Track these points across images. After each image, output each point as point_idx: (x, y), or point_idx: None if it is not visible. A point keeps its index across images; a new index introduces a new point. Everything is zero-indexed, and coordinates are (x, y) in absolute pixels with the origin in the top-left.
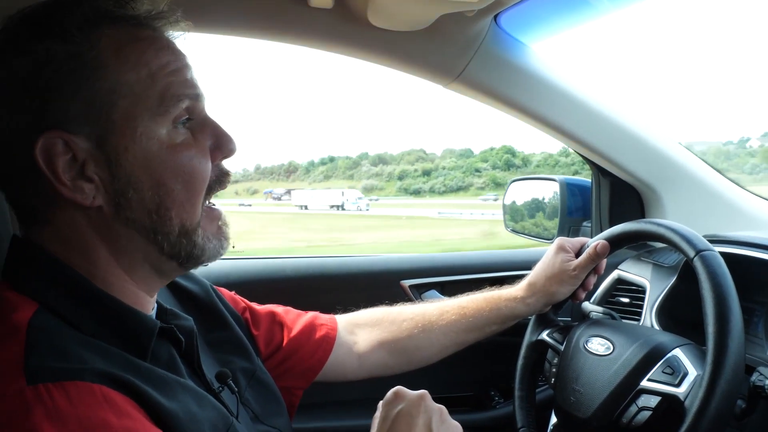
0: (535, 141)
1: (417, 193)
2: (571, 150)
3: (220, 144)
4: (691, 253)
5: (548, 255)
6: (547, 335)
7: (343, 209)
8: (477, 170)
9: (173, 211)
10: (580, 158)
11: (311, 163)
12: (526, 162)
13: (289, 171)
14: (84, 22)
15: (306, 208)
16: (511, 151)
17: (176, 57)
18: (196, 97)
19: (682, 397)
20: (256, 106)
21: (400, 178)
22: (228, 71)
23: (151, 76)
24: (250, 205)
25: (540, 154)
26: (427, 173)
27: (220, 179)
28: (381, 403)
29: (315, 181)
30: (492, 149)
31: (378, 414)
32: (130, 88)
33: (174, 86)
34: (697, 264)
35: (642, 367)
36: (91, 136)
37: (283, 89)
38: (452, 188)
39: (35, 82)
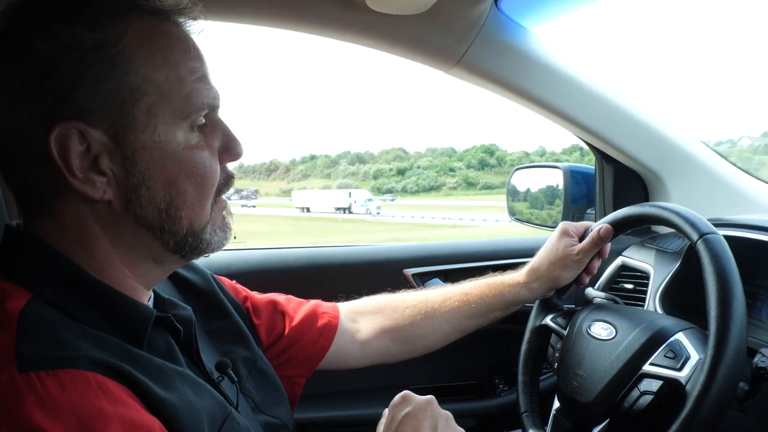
0: (520, 139)
1: (389, 192)
2: (546, 149)
3: (229, 147)
4: (695, 236)
5: (551, 240)
6: (551, 320)
7: (351, 212)
8: (451, 170)
9: (183, 211)
10: (555, 158)
11: (293, 162)
12: (501, 161)
13: (270, 169)
14: (113, 12)
15: (308, 210)
16: (490, 150)
17: (201, 62)
18: (215, 108)
19: (683, 381)
20: (241, 102)
21: (375, 177)
22: (215, 67)
23: (179, 79)
24: (254, 206)
25: (516, 152)
26: (401, 172)
27: (227, 181)
28: (388, 406)
29: (293, 180)
30: (474, 147)
31: (384, 418)
32: (157, 87)
33: (199, 93)
34: (701, 247)
35: (644, 352)
36: (109, 130)
37: (271, 86)
38: (425, 188)
39: (57, 69)
